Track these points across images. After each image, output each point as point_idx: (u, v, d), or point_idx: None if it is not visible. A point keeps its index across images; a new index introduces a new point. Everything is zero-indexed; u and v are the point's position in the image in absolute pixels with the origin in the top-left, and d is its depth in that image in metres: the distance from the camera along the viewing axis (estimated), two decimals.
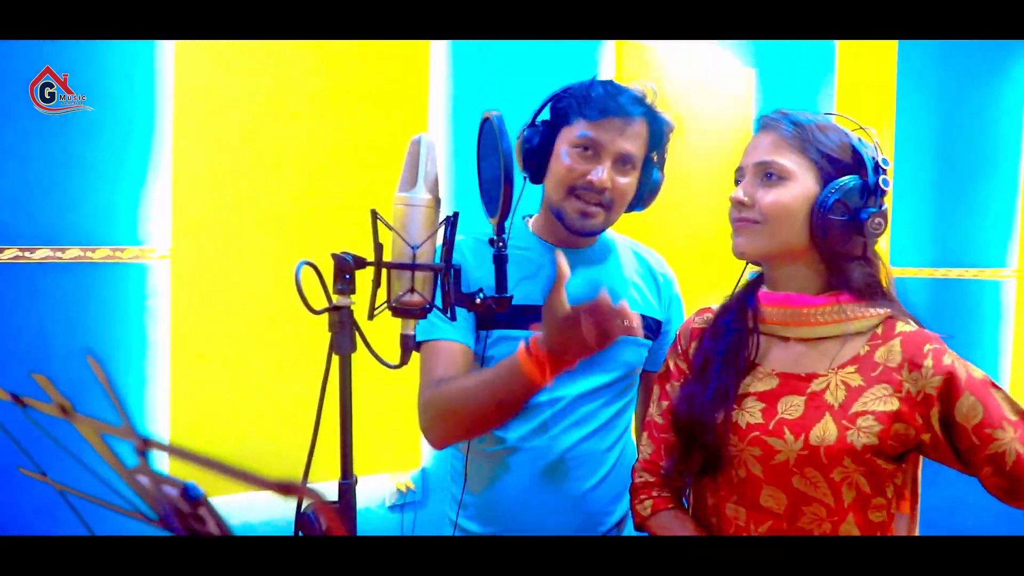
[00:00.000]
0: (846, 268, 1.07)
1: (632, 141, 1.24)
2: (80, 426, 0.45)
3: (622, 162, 1.25)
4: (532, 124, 1.29)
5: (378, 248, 0.96)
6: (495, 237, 1.04)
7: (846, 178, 1.04)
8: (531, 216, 1.41)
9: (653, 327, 1.37)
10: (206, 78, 1.93)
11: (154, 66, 1.88)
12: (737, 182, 1.12)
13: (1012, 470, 0.97)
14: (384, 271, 0.97)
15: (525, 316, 1.27)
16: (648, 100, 1.27)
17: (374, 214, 0.96)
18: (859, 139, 1.08)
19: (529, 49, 2.41)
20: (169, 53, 1.89)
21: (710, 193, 2.80)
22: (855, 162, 1.06)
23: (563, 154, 1.25)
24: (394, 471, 2.28)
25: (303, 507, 0.94)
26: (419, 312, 1.00)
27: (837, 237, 1.04)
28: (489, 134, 1.04)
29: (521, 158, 1.28)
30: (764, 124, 1.11)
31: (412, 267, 0.96)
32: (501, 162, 0.99)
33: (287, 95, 2.04)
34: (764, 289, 1.14)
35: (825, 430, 1.02)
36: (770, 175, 1.06)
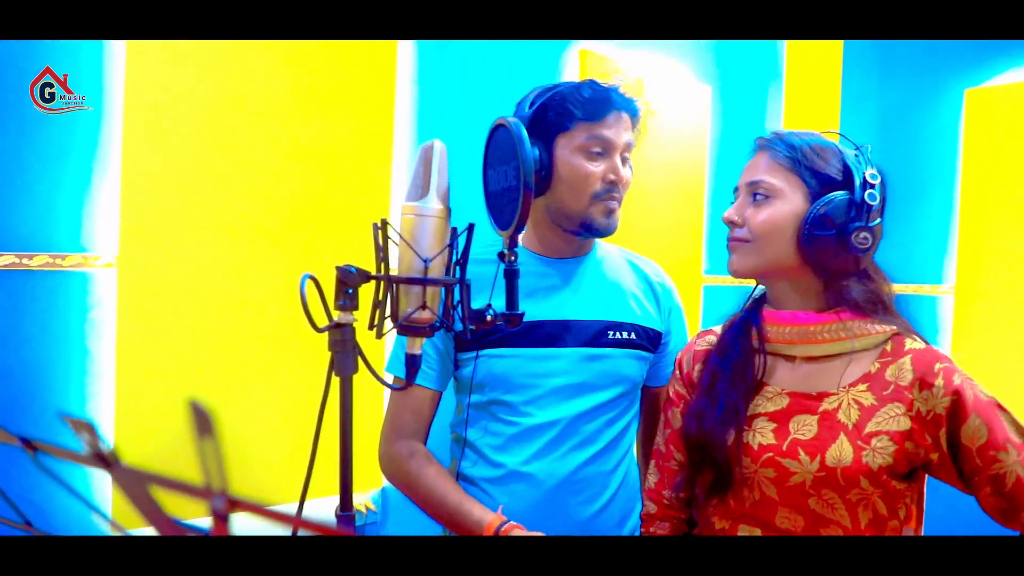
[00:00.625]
0: (842, 285, 1.08)
1: (629, 132, 1.27)
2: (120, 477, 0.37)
3: (625, 153, 1.27)
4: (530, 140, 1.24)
5: (384, 261, 0.89)
6: (506, 251, 0.98)
7: (833, 194, 1.04)
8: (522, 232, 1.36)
9: (654, 338, 1.35)
10: (159, 74, 1.80)
11: (103, 60, 1.74)
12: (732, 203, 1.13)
13: (1011, 492, 0.97)
14: (391, 286, 0.90)
15: (522, 335, 1.25)
16: (628, 92, 1.28)
17: (383, 224, 0.88)
18: (855, 157, 1.08)
19: (494, 51, 2.37)
20: (120, 47, 1.75)
21: (673, 206, 2.81)
22: (845, 179, 1.06)
23: (576, 161, 1.23)
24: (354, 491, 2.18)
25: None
26: (427, 331, 0.93)
27: (824, 252, 1.05)
28: (504, 141, 0.98)
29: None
30: (759, 146, 1.12)
31: (424, 282, 0.90)
32: (521, 171, 0.94)
33: (247, 94, 1.93)
34: (768, 307, 1.13)
35: (841, 451, 1.01)
36: (758, 195, 1.08)
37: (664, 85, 2.93)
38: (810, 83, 3.44)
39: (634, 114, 1.28)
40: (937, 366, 1.03)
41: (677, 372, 1.24)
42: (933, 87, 3.21)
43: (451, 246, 0.93)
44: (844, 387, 1.05)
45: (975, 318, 3.08)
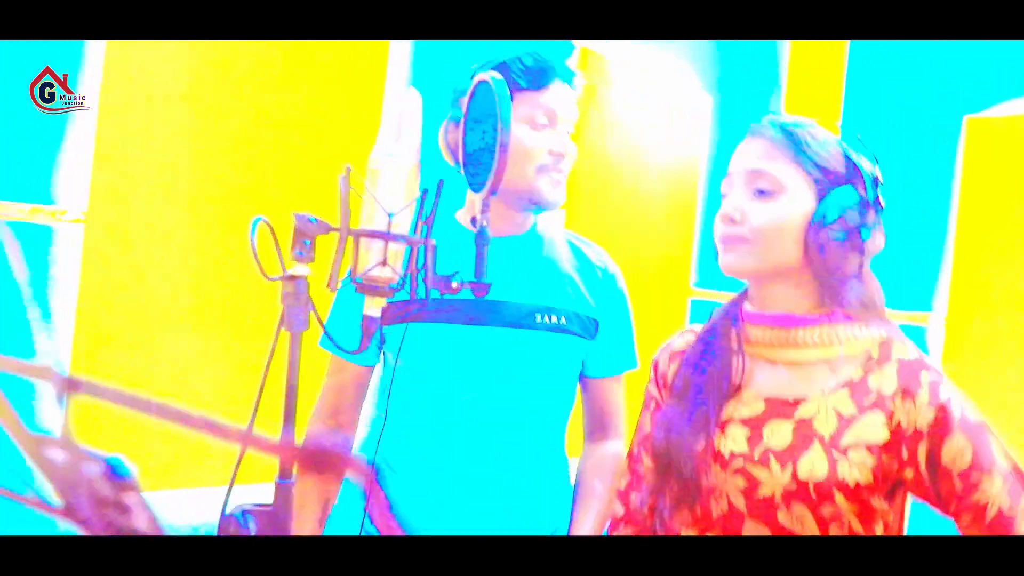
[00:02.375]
0: (840, 287, 1.01)
1: (573, 105, 1.23)
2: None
3: (569, 126, 1.22)
4: (459, 112, 1.19)
5: (346, 212, 0.84)
6: (478, 215, 0.93)
7: (844, 191, 0.97)
8: (460, 209, 1.33)
9: (588, 325, 1.28)
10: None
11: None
12: (724, 194, 1.03)
13: (992, 524, 0.90)
14: (351, 240, 0.84)
15: (449, 312, 1.22)
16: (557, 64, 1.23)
17: (347, 173, 0.83)
18: (849, 146, 1.01)
19: (492, 52, 2.32)
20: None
21: (663, 214, 2.77)
22: (849, 172, 0.99)
23: (520, 132, 1.18)
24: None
25: (229, 509, 0.81)
26: (388, 290, 0.87)
27: (835, 256, 0.97)
28: (484, 98, 0.93)
29: (461, 152, 1.14)
30: (753, 131, 1.04)
31: (386, 236, 0.84)
32: (498, 129, 0.89)
33: (231, 55, 1.88)
34: (749, 307, 1.06)
35: (814, 462, 0.93)
36: (762, 192, 0.98)
37: (660, 89, 2.89)
38: (813, 90, 3.41)
39: (573, 86, 1.24)
40: (924, 377, 0.94)
41: (652, 372, 1.17)
42: (932, 108, 3.18)
43: (422, 201, 0.87)
44: (824, 393, 0.97)
45: (966, 348, 3.05)
